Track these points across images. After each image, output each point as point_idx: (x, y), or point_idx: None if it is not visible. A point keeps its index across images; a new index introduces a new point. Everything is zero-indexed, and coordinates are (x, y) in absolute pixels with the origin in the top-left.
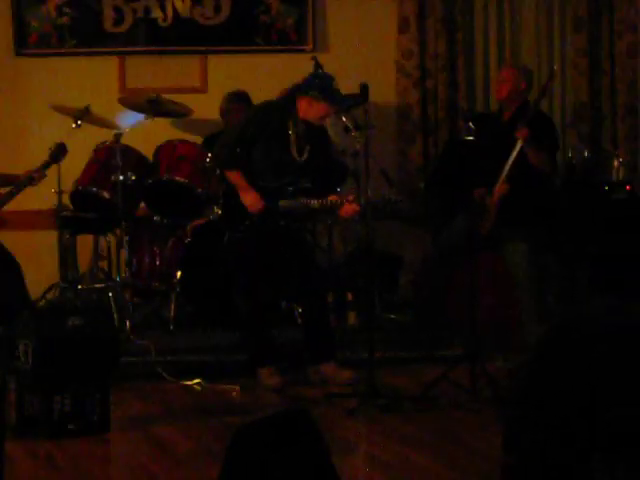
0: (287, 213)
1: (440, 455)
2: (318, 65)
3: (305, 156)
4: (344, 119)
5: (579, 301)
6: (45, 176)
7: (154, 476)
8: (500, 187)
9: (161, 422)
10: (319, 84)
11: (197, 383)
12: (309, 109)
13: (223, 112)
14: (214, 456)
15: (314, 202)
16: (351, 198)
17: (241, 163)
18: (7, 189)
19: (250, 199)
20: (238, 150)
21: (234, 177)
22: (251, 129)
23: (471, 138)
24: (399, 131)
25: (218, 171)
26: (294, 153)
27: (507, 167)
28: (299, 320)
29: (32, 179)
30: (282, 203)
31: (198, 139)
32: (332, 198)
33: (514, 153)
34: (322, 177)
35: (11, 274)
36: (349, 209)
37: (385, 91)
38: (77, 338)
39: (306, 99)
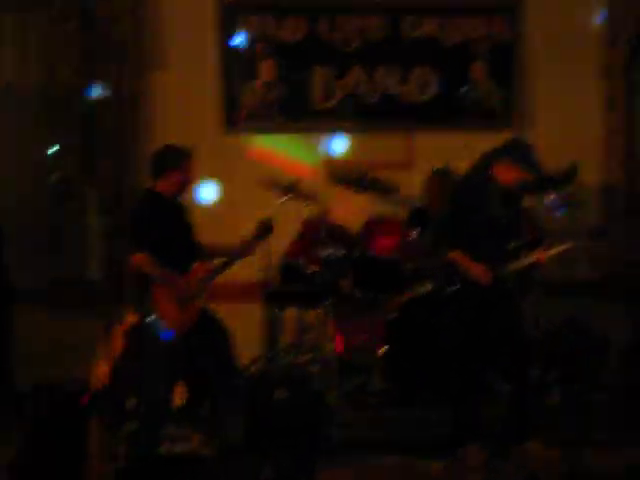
0: (512, 275)
1: None
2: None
3: (506, 218)
4: (550, 197)
5: None
6: (253, 253)
7: None
8: None
9: None
10: (517, 148)
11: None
12: (505, 173)
13: (426, 188)
14: None
15: (532, 257)
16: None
17: (458, 243)
18: (220, 260)
19: (478, 271)
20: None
21: (457, 257)
22: (459, 215)
23: None
24: (603, 210)
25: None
26: (498, 216)
27: None
28: (502, 396)
29: (246, 250)
30: (508, 267)
31: (403, 213)
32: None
33: None
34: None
35: (223, 342)
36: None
37: (590, 169)
38: (283, 410)
39: (504, 163)
